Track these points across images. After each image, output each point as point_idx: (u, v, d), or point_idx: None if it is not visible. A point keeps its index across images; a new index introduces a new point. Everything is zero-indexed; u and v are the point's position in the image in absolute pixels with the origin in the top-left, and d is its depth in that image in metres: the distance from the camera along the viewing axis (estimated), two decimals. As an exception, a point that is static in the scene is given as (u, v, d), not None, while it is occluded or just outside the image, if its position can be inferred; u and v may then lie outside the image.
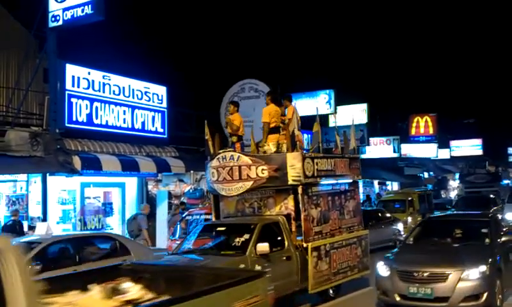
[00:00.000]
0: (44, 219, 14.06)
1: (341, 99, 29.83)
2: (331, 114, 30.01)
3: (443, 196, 35.89)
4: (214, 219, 11.58)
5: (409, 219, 21.00)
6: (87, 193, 16.18)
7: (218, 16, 25.31)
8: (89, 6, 14.74)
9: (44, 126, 15.42)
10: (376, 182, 36.03)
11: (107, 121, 16.36)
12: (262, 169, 10.18)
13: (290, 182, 10.31)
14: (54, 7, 15.30)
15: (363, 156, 34.94)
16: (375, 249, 17.15)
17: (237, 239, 9.94)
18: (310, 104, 28.96)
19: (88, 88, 15.87)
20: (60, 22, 15.21)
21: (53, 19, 15.33)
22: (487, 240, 10.25)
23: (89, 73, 15.96)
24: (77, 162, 14.70)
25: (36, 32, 16.80)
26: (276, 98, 12.02)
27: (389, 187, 37.46)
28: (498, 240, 10.35)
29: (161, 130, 18.23)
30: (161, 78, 18.88)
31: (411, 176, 39.20)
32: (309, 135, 29.33)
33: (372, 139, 34.79)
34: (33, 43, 17.52)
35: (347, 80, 32.34)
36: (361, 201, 29.78)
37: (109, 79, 16.56)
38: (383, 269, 9.80)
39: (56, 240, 10.64)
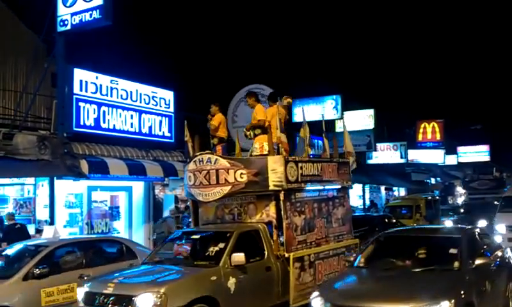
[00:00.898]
0: (51, 223, 14.11)
1: (348, 105, 29.80)
2: (338, 119, 30.00)
3: (450, 202, 35.76)
4: (192, 226, 11.10)
5: (416, 225, 20.95)
6: (94, 197, 16.22)
7: (226, 22, 25.41)
8: (98, 10, 14.81)
9: (52, 130, 15.49)
10: (382, 188, 35.96)
11: (114, 125, 16.42)
12: (241, 173, 9.61)
13: (271, 187, 9.72)
14: (62, 12, 15.39)
15: (369, 161, 34.99)
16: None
17: (211, 248, 9.26)
18: (316, 110, 28.96)
19: (95, 92, 15.93)
20: (68, 27, 15.28)
21: (61, 24, 15.42)
22: (456, 264, 7.96)
23: (97, 78, 16.03)
24: (84, 166, 14.75)
25: (44, 37, 16.89)
26: (259, 99, 11.71)
27: (396, 193, 37.36)
28: (471, 263, 8.02)
29: (168, 135, 18.27)
30: (168, 83, 18.94)
31: (418, 182, 39.12)
32: (319, 141, 29.44)
33: (379, 145, 34.76)
34: (41, 48, 17.61)
35: (354, 85, 32.36)
36: (367, 207, 30.09)
37: (117, 83, 16.62)
38: (317, 303, 7.57)
39: (63, 243, 10.68)
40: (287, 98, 11.92)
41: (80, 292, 8.44)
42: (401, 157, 36.65)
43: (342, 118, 29.81)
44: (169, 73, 20.53)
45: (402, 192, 37.49)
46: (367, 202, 31.80)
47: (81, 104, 15.50)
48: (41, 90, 16.77)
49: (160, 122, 18.02)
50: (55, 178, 14.67)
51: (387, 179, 34.87)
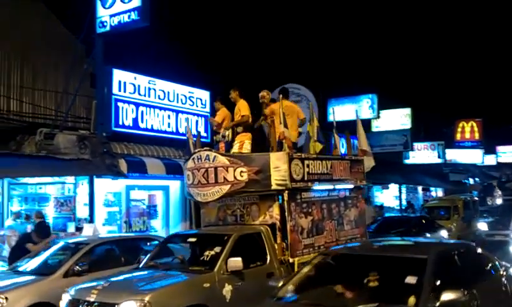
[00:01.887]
0: (91, 221, 14.38)
1: (384, 104, 29.53)
2: (373, 118, 29.79)
3: (489, 202, 35.02)
4: (194, 228, 10.67)
5: (454, 226, 20.65)
6: (132, 195, 16.47)
7: (261, 21, 25.45)
8: (136, 12, 15.04)
9: (91, 129, 15.79)
10: (419, 188, 35.49)
11: (152, 125, 16.65)
12: (241, 172, 8.94)
13: (273, 187, 9.05)
14: (101, 13, 15.68)
15: (406, 161, 34.58)
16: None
17: (207, 252, 8.58)
18: (352, 109, 28.78)
19: (134, 93, 16.18)
20: (107, 28, 15.55)
21: (100, 25, 15.70)
22: (410, 302, 5.72)
23: (135, 78, 16.28)
24: (123, 165, 15.01)
25: (84, 38, 17.22)
26: (243, 94, 10.92)
27: (433, 194, 36.81)
28: (435, 299, 5.75)
29: (204, 135, 18.41)
30: (205, 83, 19.06)
31: (456, 182, 38.42)
32: (355, 141, 29.22)
33: (416, 144, 34.33)
34: (81, 49, 17.97)
35: (390, 84, 31.98)
36: (404, 208, 29.73)
37: (154, 84, 16.85)
38: None
39: (103, 241, 10.90)
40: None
41: (65, 298, 7.99)
42: (439, 157, 36.10)
43: (378, 117, 29.63)
44: (206, 73, 20.67)
45: (439, 192, 36.89)
46: (404, 202, 31.42)
47: (120, 104, 15.77)
48: (80, 91, 17.10)
49: (197, 122, 18.19)
50: (94, 177, 14.94)
51: (424, 179, 34.38)
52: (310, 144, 10.70)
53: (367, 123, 30.50)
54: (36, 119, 16.56)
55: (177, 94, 17.56)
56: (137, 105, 16.25)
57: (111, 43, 16.42)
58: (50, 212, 15.38)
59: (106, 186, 15.65)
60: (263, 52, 24.51)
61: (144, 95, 16.48)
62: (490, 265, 7.55)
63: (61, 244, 10.75)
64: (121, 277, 8.46)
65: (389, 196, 31.48)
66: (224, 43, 22.94)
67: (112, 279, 8.29)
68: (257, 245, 8.94)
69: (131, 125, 16.07)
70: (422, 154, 35.79)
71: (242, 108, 10.62)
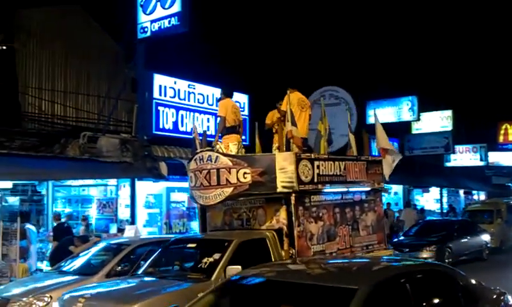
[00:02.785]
0: (132, 222, 14.66)
1: (425, 106, 29.15)
2: (414, 121, 29.45)
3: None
4: (200, 233, 10.03)
5: (497, 230, 20.27)
6: (172, 197, 16.71)
7: (299, 24, 25.48)
8: (176, 17, 15.30)
9: (133, 133, 16.10)
10: (461, 191, 34.86)
11: (191, 128, 16.85)
12: (244, 173, 8.32)
13: (279, 189, 8.38)
14: (142, 19, 16.00)
15: (448, 164, 34.01)
16: (459, 261, 16.73)
17: (205, 259, 8.01)
18: (392, 111, 28.56)
19: (174, 97, 16.46)
20: (148, 34, 15.87)
21: (141, 31, 16.03)
22: None
23: (175, 83, 16.56)
24: (163, 167, 15.28)
25: (125, 44, 17.59)
26: (229, 93, 10.24)
27: (475, 197, 36.11)
28: None
29: (243, 137, 18.54)
30: (243, 86, 19.20)
31: (499, 185, 37.58)
32: (395, 143, 28.99)
33: (457, 147, 33.71)
34: (122, 54, 18.35)
35: (431, 86, 31.54)
36: (445, 211, 29.28)
37: (194, 88, 17.09)
38: None
39: (144, 242, 11.04)
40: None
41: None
42: (481, 160, 35.35)
43: (418, 119, 29.26)
44: (245, 76, 20.81)
45: (482, 196, 36.15)
46: (445, 206, 30.93)
47: (160, 108, 16.07)
48: (122, 95, 17.47)
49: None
50: (136, 179, 15.24)
51: (466, 182, 33.77)
52: (320, 143, 10.04)
53: (407, 126, 30.21)
54: (80, 123, 16.99)
55: (216, 98, 17.73)
56: (177, 109, 16.51)
57: (151, 47, 16.73)
58: (93, 214, 15.76)
59: (147, 188, 15.93)
60: (302, 55, 24.53)
61: (184, 99, 16.74)
62: (469, 295, 5.66)
63: (103, 244, 10.99)
64: (111, 285, 8.06)
65: (430, 199, 31.04)
66: (263, 46, 23.05)
67: (101, 287, 7.99)
68: (262, 252, 8.19)
69: (171, 128, 16.34)
70: (464, 157, 35.12)
71: (219, 110, 10.03)
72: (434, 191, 31.08)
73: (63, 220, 13.95)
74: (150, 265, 8.57)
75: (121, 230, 14.34)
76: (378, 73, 27.90)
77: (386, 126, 28.29)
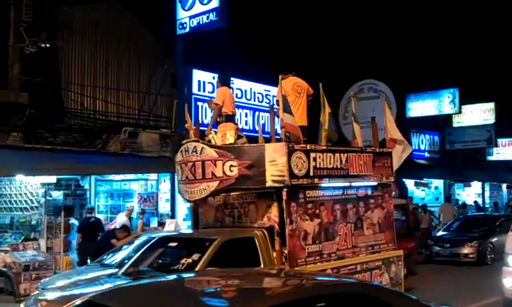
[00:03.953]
0: (172, 216, 14.87)
1: (466, 98, 28.60)
2: (455, 114, 28.95)
3: None
4: (192, 230, 9.41)
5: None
6: (211, 192, 16.82)
7: (337, 18, 25.28)
8: (214, 13, 15.42)
9: (172, 128, 16.30)
10: (504, 186, 34.09)
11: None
12: (231, 166, 7.57)
13: (269, 184, 7.59)
14: (181, 15, 16.18)
15: (490, 158, 33.29)
16: (501, 257, 16.37)
17: (184, 260, 7.44)
18: (432, 105, 28.14)
19: (212, 92, 16.53)
20: (187, 29, 16.04)
21: (180, 27, 16.21)
22: None
23: (213, 78, 16.63)
24: (202, 162, 15.40)
25: (165, 40, 17.79)
26: (227, 81, 9.76)
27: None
28: None
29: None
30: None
31: (544, 180, 36.62)
32: (435, 137, 28.60)
33: (500, 140, 32.94)
34: (162, 50, 18.57)
35: (473, 79, 30.89)
36: (488, 206, 28.70)
37: (232, 83, 17.14)
38: None
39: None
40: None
41: None
42: (525, 153, 34.52)
43: (459, 112, 28.75)
44: (281, 70, 20.77)
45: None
46: (487, 201, 30.33)
47: (199, 103, 16.20)
48: (162, 91, 17.69)
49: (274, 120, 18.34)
50: (176, 174, 15.42)
51: (509, 177, 32.99)
52: (321, 133, 9.25)
53: (448, 119, 29.72)
54: (121, 119, 17.29)
55: (254, 92, 17.83)
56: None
57: (190, 42, 16.89)
58: (134, 207, 16.04)
59: (186, 183, 16.09)
60: (340, 48, 24.35)
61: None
62: None
63: (145, 238, 11.19)
64: (73, 289, 7.58)
65: (471, 194, 30.48)
66: (301, 40, 22.98)
67: (66, 291, 7.58)
68: (249, 252, 7.49)
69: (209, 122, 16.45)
70: (507, 150, 34.28)
71: (215, 98, 9.45)
72: (476, 185, 30.50)
73: (88, 215, 14.32)
74: (132, 265, 8.07)
75: (161, 224, 14.58)
76: (418, 66, 27.47)
77: (426, 119, 27.87)
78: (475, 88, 29.84)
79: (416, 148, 26.68)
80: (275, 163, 7.54)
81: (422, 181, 25.50)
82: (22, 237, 13.40)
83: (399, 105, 22.68)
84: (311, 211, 8.01)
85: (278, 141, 8.01)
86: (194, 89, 16.17)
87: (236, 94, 17.23)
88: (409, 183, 24.71)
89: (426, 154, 27.74)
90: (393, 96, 20.65)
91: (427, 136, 28.12)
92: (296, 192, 7.80)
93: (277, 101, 8.81)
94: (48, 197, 13.71)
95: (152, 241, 8.72)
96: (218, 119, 9.29)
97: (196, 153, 7.72)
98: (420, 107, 28.19)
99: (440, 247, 17.89)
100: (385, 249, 9.11)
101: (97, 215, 15.62)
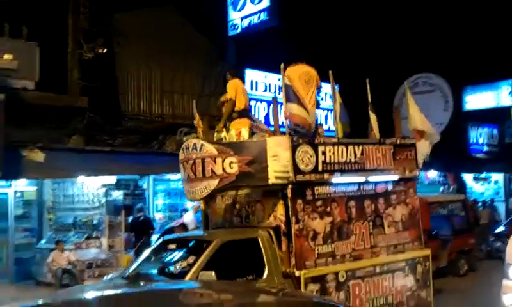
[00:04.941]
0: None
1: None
2: (515, 106, 28.07)
3: None
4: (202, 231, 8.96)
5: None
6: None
7: (388, 12, 24.93)
8: (265, 12, 15.57)
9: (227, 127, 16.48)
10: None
11: (282, 121, 17.02)
12: (231, 162, 7.11)
13: (272, 181, 7.11)
14: (233, 16, 16.40)
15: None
16: None
17: (180, 263, 7.17)
18: (490, 96, 27.36)
19: (265, 91, 16.71)
20: (239, 30, 16.27)
21: (232, 28, 16.43)
22: None
23: (265, 77, 16.80)
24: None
25: (217, 41, 18.02)
26: (237, 73, 9.39)
27: None
28: None
29: (326, 127, 18.54)
30: (334, 77, 19.07)
31: None
32: (494, 130, 27.73)
33: None
34: (214, 52, 18.81)
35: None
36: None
37: (279, 80, 17.24)
38: None
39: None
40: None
41: None
42: None
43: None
44: (333, 66, 20.68)
45: None
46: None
47: (252, 102, 16.34)
48: (216, 91, 17.91)
49: (326, 117, 18.32)
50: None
51: None
52: (335, 126, 8.58)
53: (507, 111, 28.80)
54: (176, 120, 17.62)
55: (320, 89, 17.81)
56: (268, 102, 16.75)
57: (241, 42, 17.05)
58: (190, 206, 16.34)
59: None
60: (392, 42, 24.02)
61: (275, 92, 16.94)
62: None
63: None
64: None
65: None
66: (352, 36, 22.80)
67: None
68: (252, 254, 7.05)
69: (262, 121, 16.57)
70: None
71: (228, 92, 8.89)
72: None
73: (137, 215, 14.72)
74: (136, 267, 7.70)
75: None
76: (475, 57, 26.75)
77: (484, 112, 27.04)
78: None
79: (474, 141, 26.01)
80: (278, 158, 7.10)
81: (480, 175, 24.87)
82: (85, 236, 13.91)
83: (455, 98, 22.19)
84: (321, 209, 7.49)
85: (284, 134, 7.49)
86: (247, 89, 16.31)
87: (288, 92, 17.30)
88: (468, 177, 24.13)
89: (485, 148, 27.02)
90: (450, 90, 20.25)
91: (485, 129, 27.37)
92: (303, 189, 7.31)
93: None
94: (108, 198, 14.19)
95: (157, 243, 8.32)
96: (234, 115, 8.80)
97: (196, 150, 7.33)
98: (477, 100, 27.47)
99: (501, 242, 17.43)
100: (410, 248, 8.52)
101: (156, 214, 16.03)
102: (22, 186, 14.66)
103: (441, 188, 22.62)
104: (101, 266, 12.55)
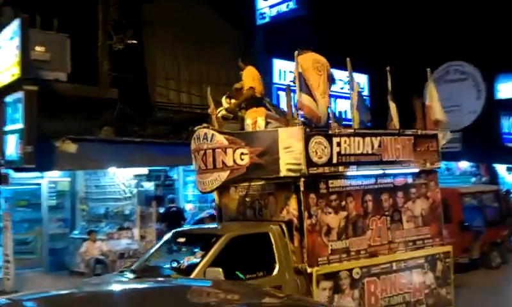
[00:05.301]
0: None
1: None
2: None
3: None
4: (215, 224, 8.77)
5: None
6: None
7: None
8: (293, 1, 15.47)
9: (254, 117, 16.47)
10: None
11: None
12: (241, 153, 6.87)
13: (283, 173, 6.88)
14: (261, 5, 16.36)
15: None
16: None
17: (187, 258, 7.23)
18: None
19: (292, 80, 16.58)
20: (267, 19, 16.24)
21: (260, 17, 16.39)
22: None
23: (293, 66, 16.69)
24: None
25: (245, 31, 17.98)
26: (249, 60, 8.94)
27: None
28: None
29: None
30: (362, 67, 18.89)
31: None
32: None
33: None
34: (243, 41, 18.77)
35: None
36: None
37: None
38: None
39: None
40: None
41: None
42: None
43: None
44: (363, 56, 20.48)
45: None
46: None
47: (280, 93, 16.29)
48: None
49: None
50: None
51: None
52: (352, 116, 8.22)
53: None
54: (205, 110, 17.65)
55: (335, 79, 17.66)
56: (294, 92, 16.63)
57: (269, 31, 16.99)
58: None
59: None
60: (424, 30, 23.65)
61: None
62: None
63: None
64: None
65: None
66: (381, 23, 22.52)
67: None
68: (262, 249, 6.88)
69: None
70: None
71: (246, 80, 8.35)
72: None
73: (170, 205, 14.94)
74: (145, 260, 7.64)
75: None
76: (507, 45, 26.20)
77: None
78: None
79: (507, 131, 25.51)
80: (290, 150, 6.83)
81: (514, 166, 24.40)
82: (117, 226, 14.07)
83: (487, 86, 21.78)
84: (335, 203, 7.20)
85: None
86: (275, 79, 16.31)
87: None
88: (501, 168, 23.71)
89: (518, 138, 26.48)
90: (482, 78, 19.88)
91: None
92: (316, 182, 7.04)
93: (293, 79, 7.86)
94: (140, 188, 14.32)
95: (172, 236, 8.07)
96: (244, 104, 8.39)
97: (207, 140, 7.05)
98: (510, 88, 26.89)
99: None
100: (430, 244, 8.17)
101: (187, 205, 16.14)
102: (56, 177, 14.84)
103: (473, 179, 22.26)
104: (133, 256, 12.62)
